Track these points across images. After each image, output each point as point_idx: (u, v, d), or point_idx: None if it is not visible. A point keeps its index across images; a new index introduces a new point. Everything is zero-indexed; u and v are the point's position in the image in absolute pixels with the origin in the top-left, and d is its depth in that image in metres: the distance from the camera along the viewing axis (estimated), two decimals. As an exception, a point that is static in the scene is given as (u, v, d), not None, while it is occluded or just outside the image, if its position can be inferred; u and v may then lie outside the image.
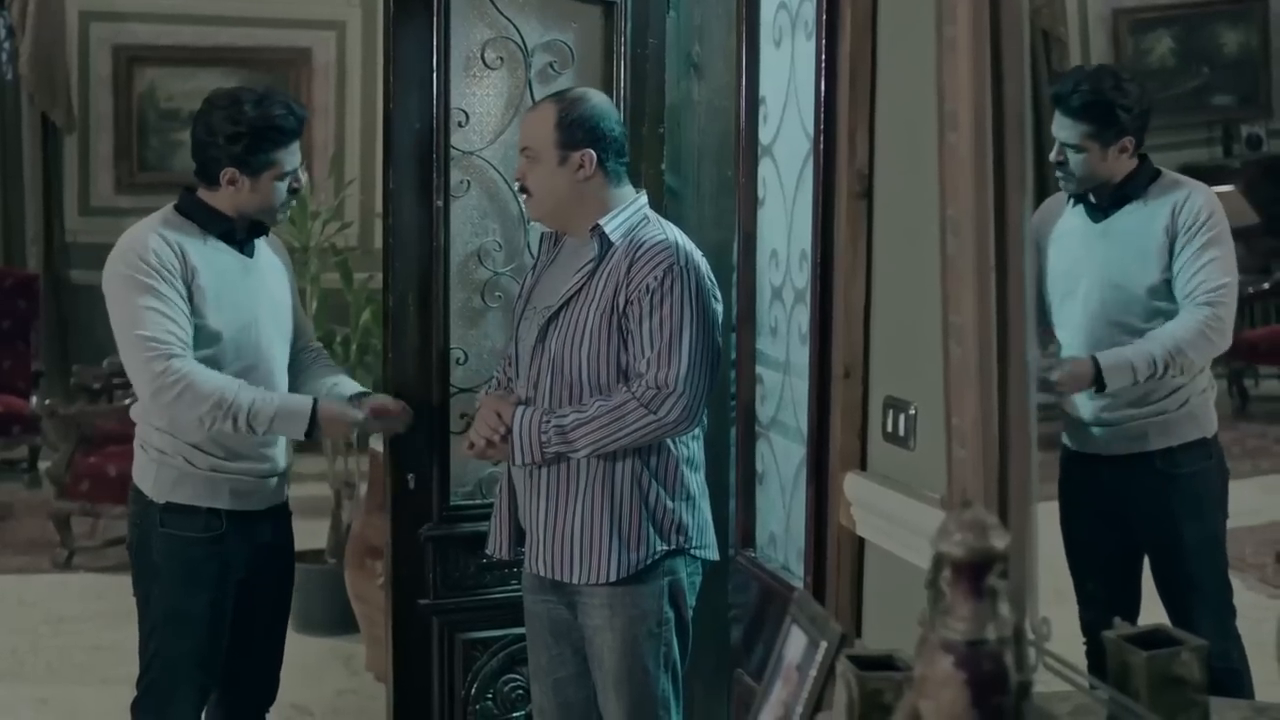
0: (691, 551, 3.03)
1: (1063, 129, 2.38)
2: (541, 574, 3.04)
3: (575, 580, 2.98)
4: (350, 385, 3.41)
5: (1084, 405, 2.45)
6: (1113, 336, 2.41)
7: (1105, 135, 2.38)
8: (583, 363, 2.95)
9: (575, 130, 2.99)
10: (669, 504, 2.98)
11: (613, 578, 2.95)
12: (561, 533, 2.98)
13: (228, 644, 3.27)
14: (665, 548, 2.98)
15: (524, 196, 3.14)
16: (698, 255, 3.00)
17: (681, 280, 2.90)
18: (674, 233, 3.02)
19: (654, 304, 2.89)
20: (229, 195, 3.22)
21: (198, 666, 3.23)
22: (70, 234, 8.08)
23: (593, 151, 2.99)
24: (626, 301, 2.91)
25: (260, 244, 3.34)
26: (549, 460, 2.95)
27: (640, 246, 2.94)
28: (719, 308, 3.03)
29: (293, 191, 3.27)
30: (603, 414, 2.89)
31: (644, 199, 3.07)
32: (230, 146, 3.17)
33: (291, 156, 3.24)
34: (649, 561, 2.96)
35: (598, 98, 3.12)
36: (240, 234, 3.26)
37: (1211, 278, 2.29)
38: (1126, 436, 2.40)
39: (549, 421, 2.92)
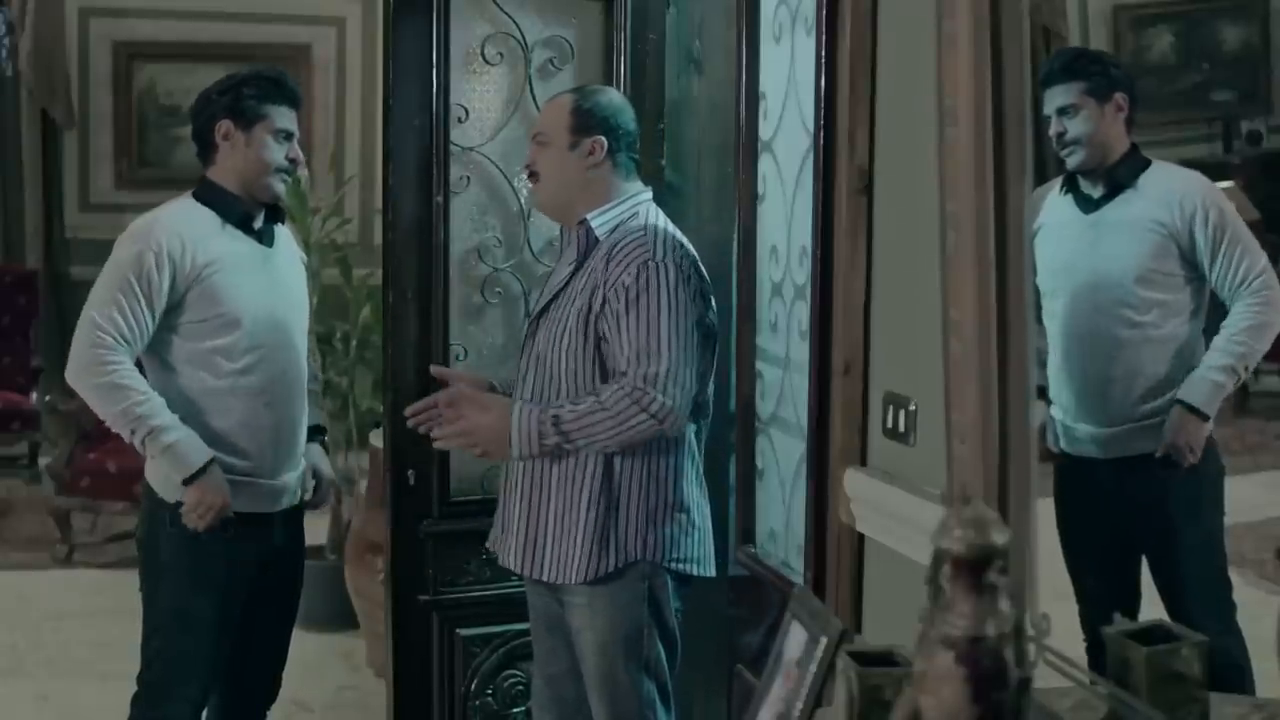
0: (669, 564, 2.95)
1: (1056, 96, 2.37)
2: (514, 569, 3.03)
3: (547, 578, 2.97)
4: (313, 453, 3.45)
5: (1078, 412, 2.45)
6: (1106, 329, 2.40)
7: (1099, 88, 2.37)
8: (562, 359, 2.92)
9: (589, 118, 2.99)
10: (648, 511, 2.92)
11: (583, 578, 2.91)
12: (536, 530, 2.96)
13: (232, 642, 3.26)
14: (637, 557, 2.92)
15: (530, 184, 3.12)
16: (680, 248, 2.91)
17: (657, 276, 2.84)
18: (659, 227, 2.94)
19: (629, 302, 2.84)
20: (227, 157, 3.24)
21: (200, 667, 3.23)
22: (70, 230, 8.06)
23: (604, 139, 2.99)
24: (604, 300, 2.87)
25: (280, 235, 3.35)
26: (548, 452, 2.91)
27: (617, 244, 2.91)
28: (705, 304, 2.93)
29: (292, 162, 3.27)
30: (596, 409, 2.84)
31: (646, 195, 3.04)
32: (221, 98, 3.25)
33: (284, 116, 3.26)
34: (620, 565, 2.92)
35: (615, 93, 3.17)
36: (257, 221, 3.27)
37: (1249, 267, 2.28)
38: (1122, 441, 2.40)
39: (547, 412, 2.89)
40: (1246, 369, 2.28)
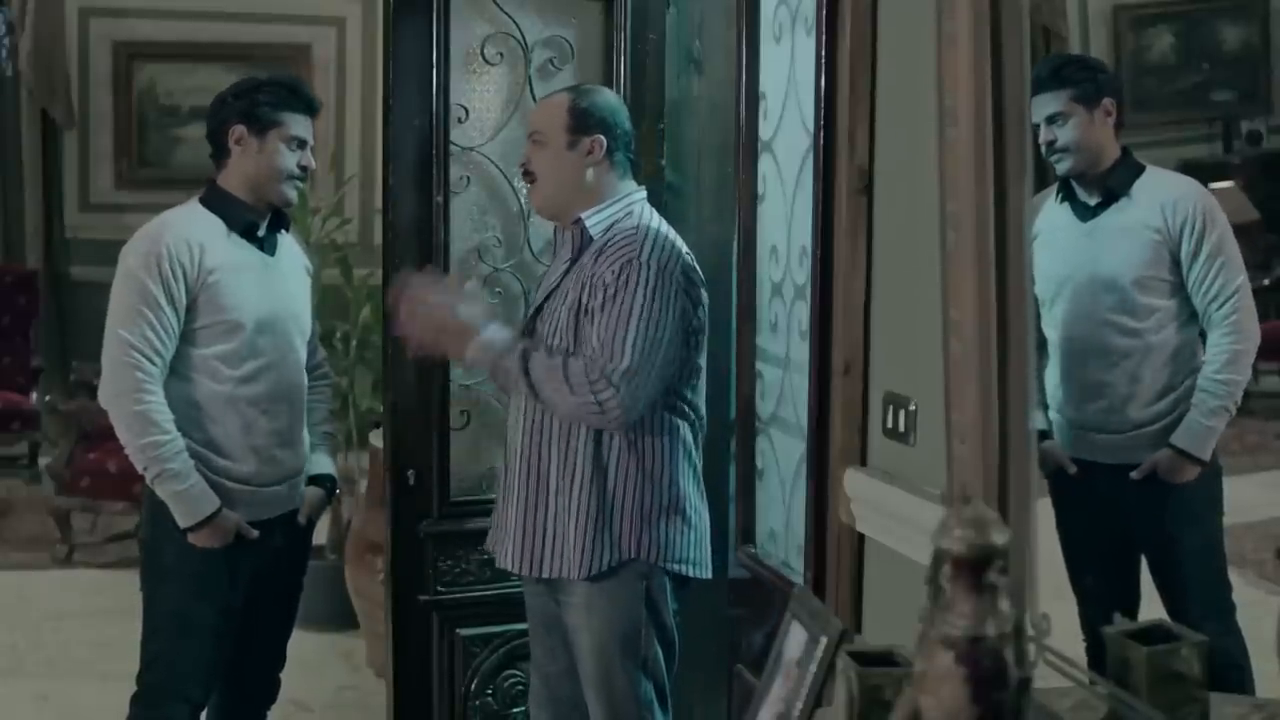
0: (666, 565, 2.96)
1: (1044, 104, 2.37)
2: (511, 569, 3.03)
3: (546, 574, 2.97)
4: (320, 464, 3.43)
5: (1077, 416, 2.45)
6: (1104, 335, 2.41)
7: (1087, 94, 2.38)
8: None
9: (587, 117, 2.99)
10: (643, 511, 2.93)
11: (581, 574, 2.92)
12: (534, 528, 2.96)
13: (233, 643, 3.26)
14: (633, 555, 2.93)
15: (526, 183, 3.12)
16: (668, 249, 2.91)
17: (637, 275, 2.85)
18: (651, 226, 2.95)
19: (606, 298, 2.85)
20: (239, 164, 3.23)
21: (200, 669, 3.23)
22: (70, 230, 8.07)
23: (603, 137, 2.99)
24: (590, 296, 2.89)
25: (284, 244, 3.34)
26: (493, 366, 2.93)
27: (608, 242, 2.92)
28: (693, 304, 2.94)
29: (303, 169, 3.26)
30: (560, 367, 2.85)
31: (641, 194, 3.05)
32: (236, 102, 3.24)
33: (299, 124, 3.25)
34: (615, 563, 2.92)
35: (610, 93, 3.17)
36: (261, 229, 3.26)
37: (1225, 283, 2.29)
38: (1120, 448, 2.40)
39: (521, 344, 2.91)
40: (1235, 403, 2.29)
